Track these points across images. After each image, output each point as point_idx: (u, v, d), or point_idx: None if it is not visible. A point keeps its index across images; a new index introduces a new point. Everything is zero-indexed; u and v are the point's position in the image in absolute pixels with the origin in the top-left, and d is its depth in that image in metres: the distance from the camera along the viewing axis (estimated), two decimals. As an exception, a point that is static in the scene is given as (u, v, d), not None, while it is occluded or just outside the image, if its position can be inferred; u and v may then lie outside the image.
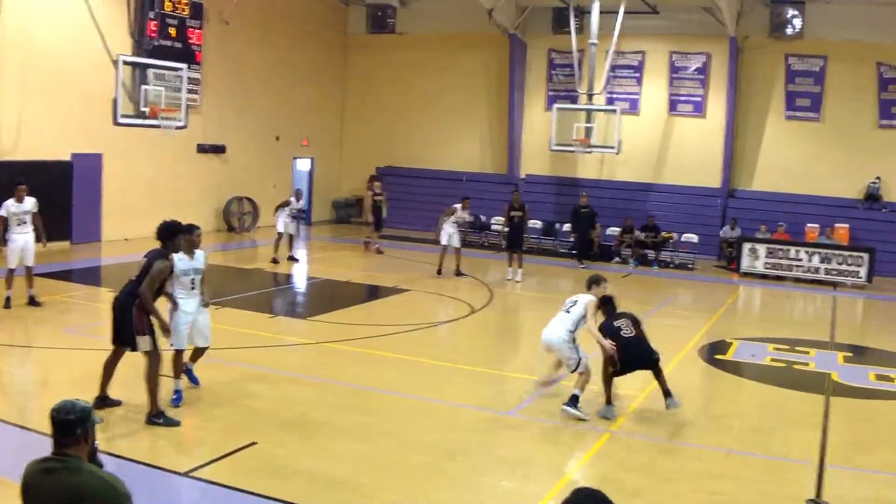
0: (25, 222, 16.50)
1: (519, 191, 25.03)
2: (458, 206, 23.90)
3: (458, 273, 23.45)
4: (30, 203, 16.56)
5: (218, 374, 12.93)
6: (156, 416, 10.36)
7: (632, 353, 11.48)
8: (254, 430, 10.34)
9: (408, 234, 28.74)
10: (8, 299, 16.25)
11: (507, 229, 24.16)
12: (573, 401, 11.47)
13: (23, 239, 16.45)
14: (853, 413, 12.78)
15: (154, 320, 10.56)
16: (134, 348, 10.56)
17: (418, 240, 27.41)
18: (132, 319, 10.46)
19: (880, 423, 12.52)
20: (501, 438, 10.72)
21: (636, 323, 11.78)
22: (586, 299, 11.83)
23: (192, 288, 11.63)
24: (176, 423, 10.41)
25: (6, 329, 14.95)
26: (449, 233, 23.53)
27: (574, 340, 11.71)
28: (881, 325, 20.95)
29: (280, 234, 24.25)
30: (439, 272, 23.33)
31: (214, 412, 11.19)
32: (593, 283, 12.21)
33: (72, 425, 4.59)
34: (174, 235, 10.95)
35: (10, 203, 16.35)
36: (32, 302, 16.60)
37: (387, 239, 28.57)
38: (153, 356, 10.51)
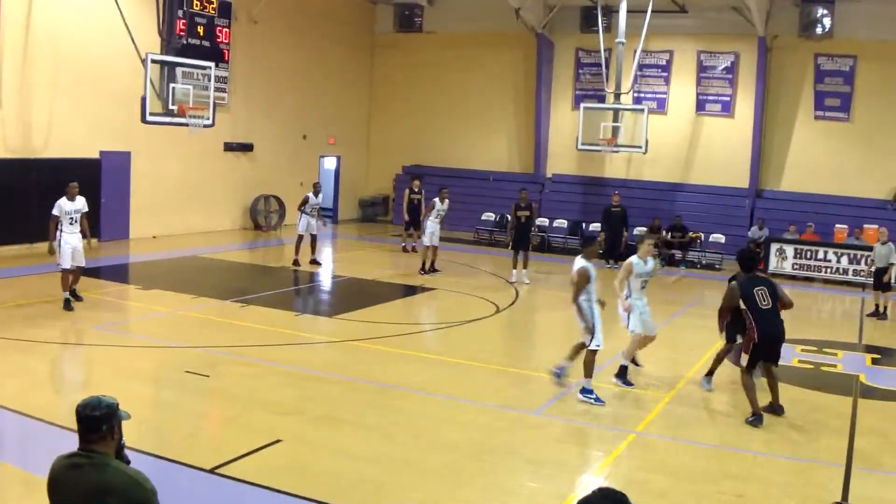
0: (77, 221, 16.55)
1: (526, 189, 24.19)
2: (436, 199, 23.54)
3: (432, 269, 23.29)
4: (81, 202, 16.59)
5: (244, 371, 13.02)
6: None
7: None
8: (279, 427, 10.38)
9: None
10: (67, 301, 16.36)
11: (513, 230, 22.90)
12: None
13: (75, 239, 16.48)
14: (881, 415, 12.67)
15: None
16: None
17: (444, 238, 27.26)
18: None
19: (909, 425, 12.44)
20: (526, 438, 10.71)
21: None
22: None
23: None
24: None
25: (39, 325, 15.03)
26: (432, 231, 23.25)
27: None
28: (910, 326, 20.78)
29: (301, 236, 23.70)
30: (423, 269, 23.21)
31: (240, 409, 11.24)
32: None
33: (97, 421, 4.59)
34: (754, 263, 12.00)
35: (64, 202, 16.35)
36: (73, 295, 16.70)
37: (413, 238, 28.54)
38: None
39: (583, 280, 12.08)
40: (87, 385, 12.17)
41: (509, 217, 23.71)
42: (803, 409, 12.70)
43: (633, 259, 12.64)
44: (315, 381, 12.76)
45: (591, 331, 12.05)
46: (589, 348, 12.12)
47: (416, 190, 26.85)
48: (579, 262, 12.23)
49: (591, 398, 12.01)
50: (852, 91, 29.52)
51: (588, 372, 12.12)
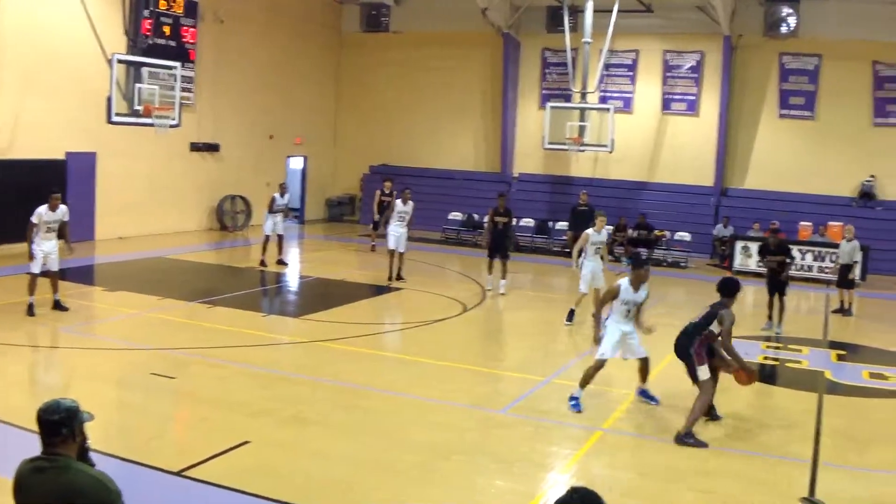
0: (54, 230, 16.28)
1: (505, 195, 22.78)
2: (398, 200, 22.58)
3: (398, 276, 22.25)
4: (61, 212, 16.27)
5: (211, 372, 12.97)
6: (686, 436, 10.70)
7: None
8: (247, 428, 10.34)
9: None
10: (31, 306, 16.04)
11: (489, 236, 21.58)
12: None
13: (49, 245, 16.20)
14: (847, 411, 12.80)
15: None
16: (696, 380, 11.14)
17: (412, 238, 27.20)
18: (692, 356, 11.08)
19: (874, 421, 12.55)
20: (495, 437, 10.73)
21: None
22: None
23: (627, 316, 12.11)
24: (703, 445, 10.62)
25: (5, 328, 14.87)
26: (396, 235, 22.17)
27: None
28: (874, 323, 20.92)
29: (267, 236, 23.48)
30: (390, 278, 22.10)
31: (207, 411, 11.20)
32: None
33: (57, 425, 4.59)
34: (735, 292, 11.40)
35: (44, 211, 15.98)
36: (58, 306, 16.51)
37: (381, 238, 28.41)
38: (708, 383, 11.08)
39: (609, 295, 12.17)
40: (53, 387, 12.07)
41: (486, 222, 22.72)
42: (769, 404, 12.81)
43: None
44: (283, 382, 12.73)
45: (597, 342, 12.08)
46: (595, 358, 12.03)
47: (387, 192, 26.21)
48: (622, 280, 12.08)
49: (571, 403, 11.93)
50: (817, 90, 29.83)
51: (583, 381, 12.00)
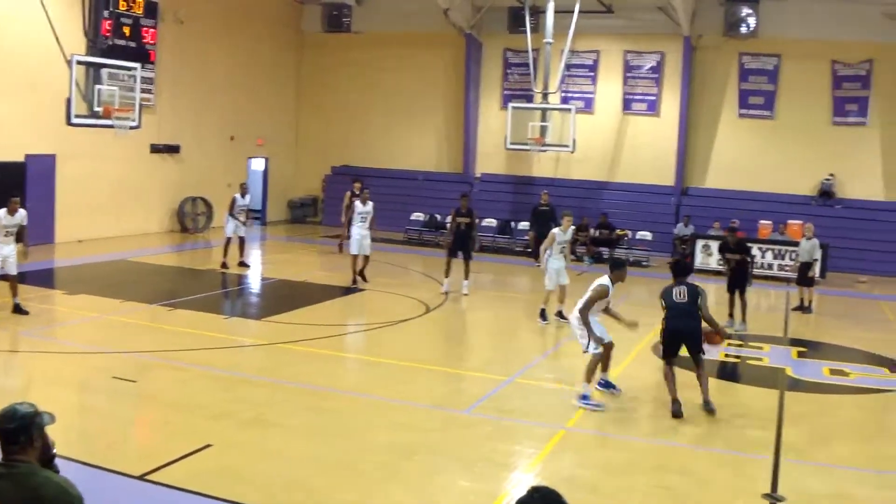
0: (12, 234, 16.19)
1: (467, 195, 22.36)
2: (357, 201, 22.25)
3: (362, 277, 22.02)
4: (20, 216, 16.20)
5: (172, 375, 12.89)
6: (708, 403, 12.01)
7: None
8: (209, 432, 10.28)
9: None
10: None
11: (451, 236, 21.13)
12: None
13: (7, 249, 16.12)
14: (808, 408, 12.91)
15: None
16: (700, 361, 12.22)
17: (374, 239, 27.30)
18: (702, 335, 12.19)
19: (835, 417, 12.70)
20: (457, 437, 10.74)
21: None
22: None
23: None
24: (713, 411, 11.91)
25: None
26: (358, 239, 21.83)
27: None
28: (834, 320, 21.17)
29: (228, 238, 23.34)
30: (354, 281, 21.76)
31: (169, 414, 11.13)
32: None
33: (14, 433, 4.57)
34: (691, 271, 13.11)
35: (2, 215, 15.93)
36: (18, 310, 16.33)
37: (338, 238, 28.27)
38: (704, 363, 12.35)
39: (599, 296, 12.35)
40: (13, 392, 11.91)
41: (448, 223, 22.14)
42: (731, 402, 12.89)
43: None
44: (245, 385, 12.66)
45: (595, 339, 12.20)
46: (593, 353, 12.22)
47: (357, 192, 25.65)
48: (603, 279, 12.48)
49: (590, 404, 12.00)
50: (776, 89, 30.09)
51: (587, 376, 12.17)
